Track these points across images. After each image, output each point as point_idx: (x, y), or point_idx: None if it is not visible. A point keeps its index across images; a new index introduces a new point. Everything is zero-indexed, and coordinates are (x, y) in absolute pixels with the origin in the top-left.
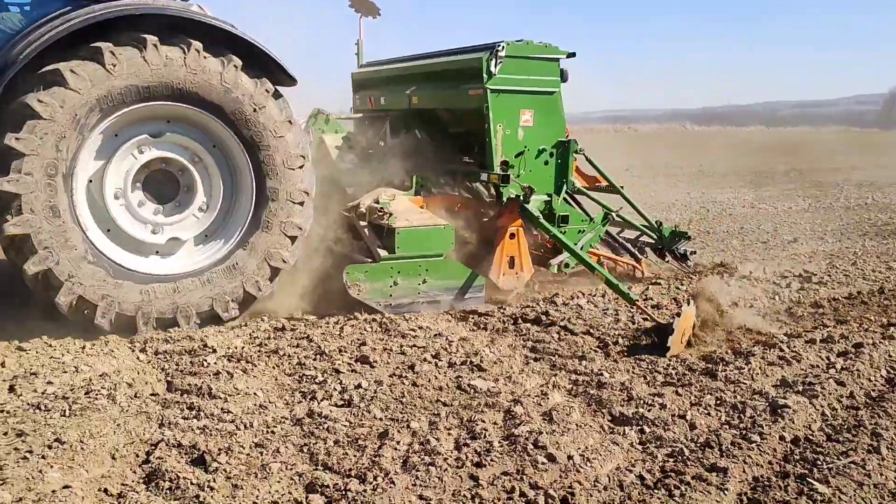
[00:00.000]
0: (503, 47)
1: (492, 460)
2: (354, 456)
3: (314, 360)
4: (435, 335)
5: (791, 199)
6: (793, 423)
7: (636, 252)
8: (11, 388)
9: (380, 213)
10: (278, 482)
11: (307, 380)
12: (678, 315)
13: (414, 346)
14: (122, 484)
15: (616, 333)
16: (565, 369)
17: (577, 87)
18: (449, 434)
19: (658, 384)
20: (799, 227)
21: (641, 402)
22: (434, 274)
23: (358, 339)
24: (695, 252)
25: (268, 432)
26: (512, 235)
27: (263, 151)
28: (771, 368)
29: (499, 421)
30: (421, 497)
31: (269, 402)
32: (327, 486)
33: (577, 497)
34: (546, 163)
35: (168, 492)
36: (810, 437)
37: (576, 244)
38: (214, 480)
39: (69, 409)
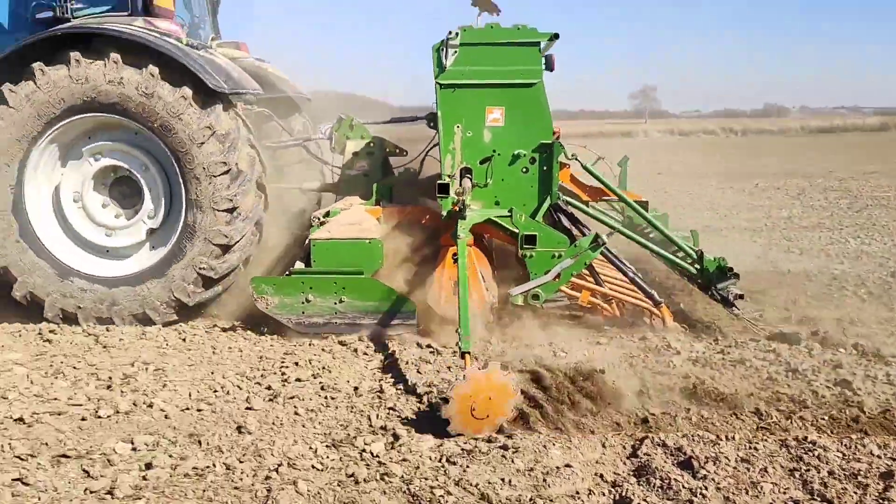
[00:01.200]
0: (456, 34)
1: None
2: (855, 493)
3: (786, 376)
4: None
5: None
6: None
7: (652, 292)
8: None
9: (313, 223)
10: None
11: (786, 399)
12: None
13: None
14: (615, 473)
15: None
16: None
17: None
18: None
19: None
20: None
21: None
22: (352, 293)
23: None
24: (742, 296)
25: (750, 447)
26: (456, 256)
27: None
28: None
29: None
30: None
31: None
32: None
33: None
34: (525, 170)
35: (660, 490)
36: None
37: (548, 271)
38: (706, 489)
39: None
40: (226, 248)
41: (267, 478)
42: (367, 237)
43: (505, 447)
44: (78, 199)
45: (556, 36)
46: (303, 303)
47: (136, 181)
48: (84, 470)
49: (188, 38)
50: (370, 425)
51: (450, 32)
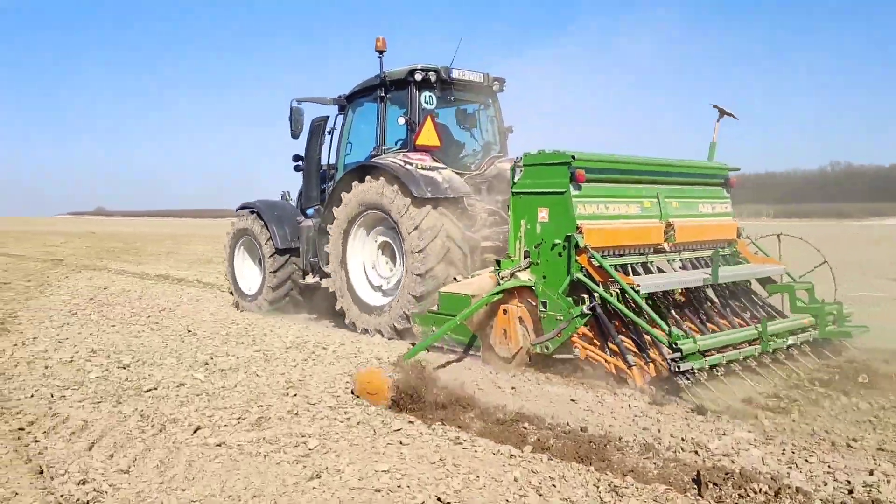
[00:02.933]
0: (521, 158)
1: None
2: None
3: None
4: None
5: None
6: None
7: (628, 355)
8: None
9: (449, 280)
10: None
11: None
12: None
13: None
14: None
15: None
16: None
17: None
18: None
19: None
20: None
21: None
22: (452, 331)
23: None
24: (695, 372)
25: None
26: (504, 311)
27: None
28: None
29: None
30: None
31: None
32: None
33: None
34: (559, 254)
35: None
36: None
37: (551, 330)
38: None
39: None
40: (417, 299)
41: None
42: (462, 293)
43: None
44: (371, 259)
45: (574, 157)
46: (431, 332)
47: (395, 251)
48: None
49: (425, 164)
50: None
51: (517, 158)
